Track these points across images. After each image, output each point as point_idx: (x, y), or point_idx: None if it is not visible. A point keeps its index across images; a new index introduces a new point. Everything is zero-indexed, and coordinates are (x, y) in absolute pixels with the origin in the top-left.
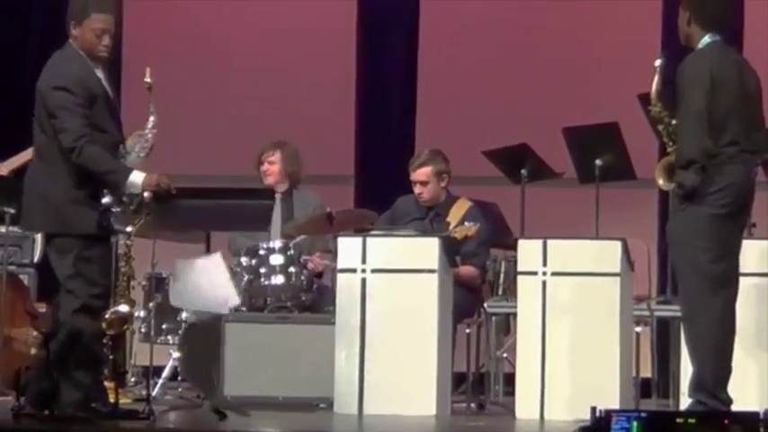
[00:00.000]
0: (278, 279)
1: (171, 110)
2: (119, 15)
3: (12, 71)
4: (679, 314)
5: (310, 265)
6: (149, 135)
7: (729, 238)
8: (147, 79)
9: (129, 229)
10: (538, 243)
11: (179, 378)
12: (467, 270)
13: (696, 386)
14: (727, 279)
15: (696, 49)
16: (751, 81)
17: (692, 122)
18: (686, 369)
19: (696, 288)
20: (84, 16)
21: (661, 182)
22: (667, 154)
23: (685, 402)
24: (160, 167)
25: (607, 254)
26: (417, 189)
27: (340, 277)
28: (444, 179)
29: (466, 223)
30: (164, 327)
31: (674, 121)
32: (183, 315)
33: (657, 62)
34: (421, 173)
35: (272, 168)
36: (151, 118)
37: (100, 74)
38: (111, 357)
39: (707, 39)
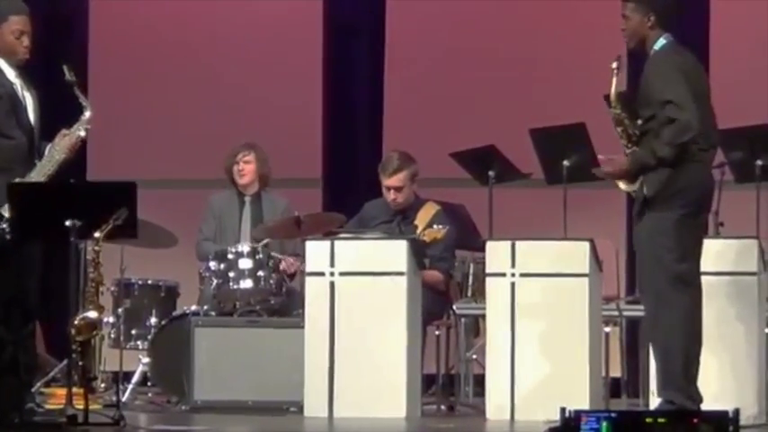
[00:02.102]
0: (247, 283)
1: (136, 114)
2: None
3: None
4: None
5: (283, 265)
6: (77, 133)
7: (693, 237)
8: (68, 77)
9: (97, 234)
10: (506, 244)
11: (149, 383)
12: (432, 275)
13: (663, 384)
14: (691, 278)
15: (653, 50)
16: (706, 79)
17: (681, 105)
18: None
19: (661, 287)
20: (1, 20)
21: (621, 184)
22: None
23: (655, 402)
24: (126, 172)
25: (575, 254)
26: (392, 195)
27: (309, 281)
28: (416, 181)
29: (434, 226)
30: (133, 332)
31: (639, 122)
32: (152, 320)
33: (614, 64)
34: (396, 179)
35: (248, 168)
36: (86, 113)
37: (14, 78)
38: (80, 363)
39: (662, 40)
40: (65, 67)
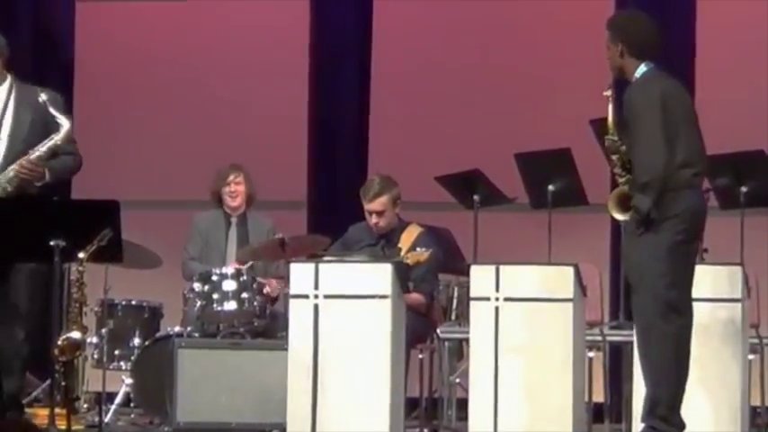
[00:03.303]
0: (230, 305)
1: (121, 136)
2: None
3: None
4: (631, 339)
5: (266, 290)
6: (36, 152)
7: (685, 264)
8: (41, 98)
9: (81, 255)
10: (490, 268)
11: (132, 404)
12: (413, 298)
13: (649, 410)
14: (681, 305)
15: (634, 79)
16: (690, 103)
17: (649, 146)
18: (639, 393)
19: (651, 313)
20: None
21: (616, 214)
22: (618, 184)
23: (638, 427)
24: (110, 193)
25: (560, 279)
26: (374, 219)
27: (292, 303)
28: (398, 204)
29: (417, 249)
30: (116, 353)
31: (623, 148)
32: (135, 341)
33: (608, 92)
34: (377, 203)
35: (240, 189)
36: (64, 128)
37: None
38: (63, 384)
39: (643, 67)
40: (36, 90)
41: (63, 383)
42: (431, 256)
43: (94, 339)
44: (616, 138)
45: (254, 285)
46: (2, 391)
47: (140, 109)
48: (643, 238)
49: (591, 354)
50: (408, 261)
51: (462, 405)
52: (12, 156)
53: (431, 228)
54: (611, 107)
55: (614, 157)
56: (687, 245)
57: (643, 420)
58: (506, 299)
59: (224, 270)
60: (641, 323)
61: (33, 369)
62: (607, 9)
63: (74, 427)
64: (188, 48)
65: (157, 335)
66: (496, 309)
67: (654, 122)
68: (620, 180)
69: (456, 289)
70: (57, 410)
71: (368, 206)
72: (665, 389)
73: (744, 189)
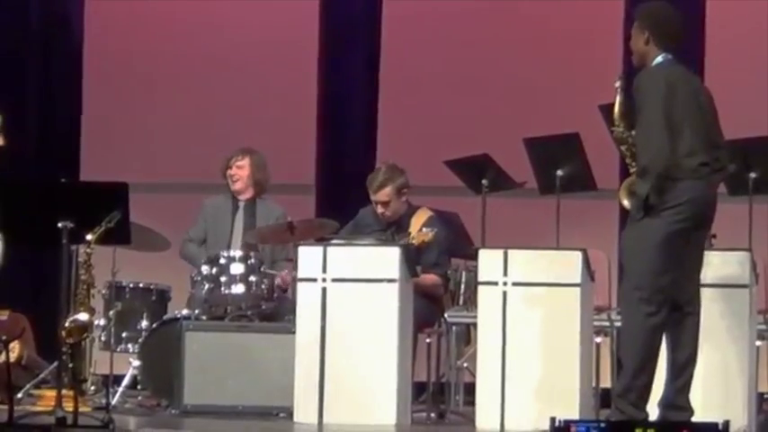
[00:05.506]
0: (238, 288)
1: (130, 117)
2: None
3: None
4: None
5: (278, 281)
6: None
7: (683, 252)
8: None
9: (89, 237)
10: (498, 253)
11: (139, 386)
12: (430, 278)
13: (621, 393)
14: (668, 295)
15: (650, 66)
16: (705, 96)
17: (650, 132)
18: None
19: (632, 300)
20: None
21: (626, 202)
22: (629, 174)
23: (653, 412)
24: (120, 175)
25: (568, 264)
26: (380, 209)
27: (300, 286)
28: (405, 194)
29: (423, 229)
30: (123, 335)
31: (630, 138)
32: (143, 323)
33: (617, 83)
34: (382, 194)
35: (240, 173)
36: None
37: None
38: (70, 365)
39: (660, 58)
40: None
41: (70, 365)
42: (435, 236)
43: (102, 321)
44: (622, 128)
45: (262, 269)
46: None
47: (150, 92)
48: (639, 225)
49: (598, 339)
50: (414, 242)
51: (469, 390)
52: None
53: (439, 212)
54: (618, 98)
55: (623, 148)
56: (685, 235)
57: (613, 401)
58: (514, 283)
59: (232, 253)
60: (623, 309)
61: (41, 350)
62: None
63: (81, 409)
64: (198, 31)
65: (165, 317)
66: (504, 293)
67: (656, 108)
68: (632, 170)
69: (464, 273)
70: (64, 392)
71: (373, 197)
72: (644, 375)
73: (752, 175)
